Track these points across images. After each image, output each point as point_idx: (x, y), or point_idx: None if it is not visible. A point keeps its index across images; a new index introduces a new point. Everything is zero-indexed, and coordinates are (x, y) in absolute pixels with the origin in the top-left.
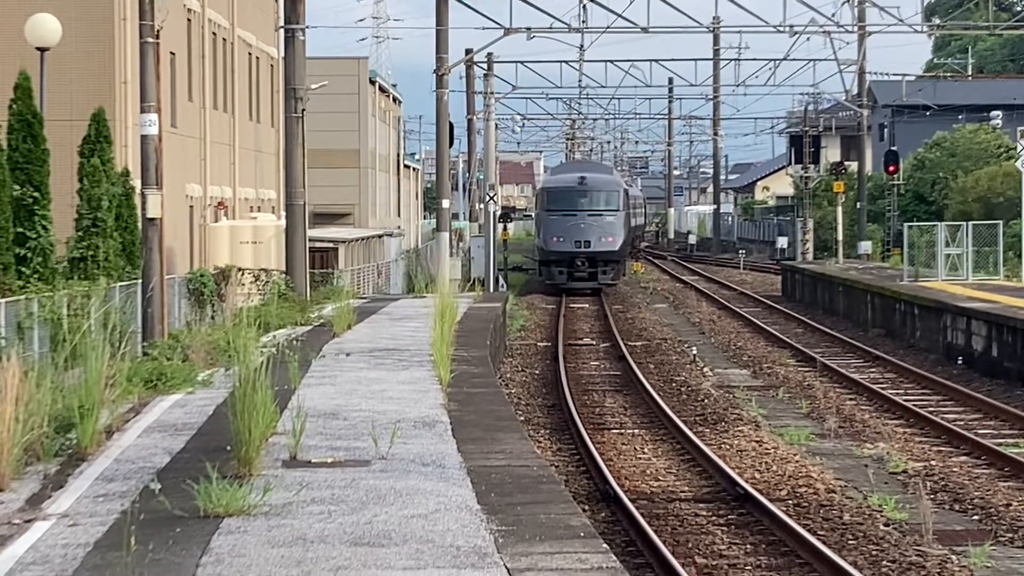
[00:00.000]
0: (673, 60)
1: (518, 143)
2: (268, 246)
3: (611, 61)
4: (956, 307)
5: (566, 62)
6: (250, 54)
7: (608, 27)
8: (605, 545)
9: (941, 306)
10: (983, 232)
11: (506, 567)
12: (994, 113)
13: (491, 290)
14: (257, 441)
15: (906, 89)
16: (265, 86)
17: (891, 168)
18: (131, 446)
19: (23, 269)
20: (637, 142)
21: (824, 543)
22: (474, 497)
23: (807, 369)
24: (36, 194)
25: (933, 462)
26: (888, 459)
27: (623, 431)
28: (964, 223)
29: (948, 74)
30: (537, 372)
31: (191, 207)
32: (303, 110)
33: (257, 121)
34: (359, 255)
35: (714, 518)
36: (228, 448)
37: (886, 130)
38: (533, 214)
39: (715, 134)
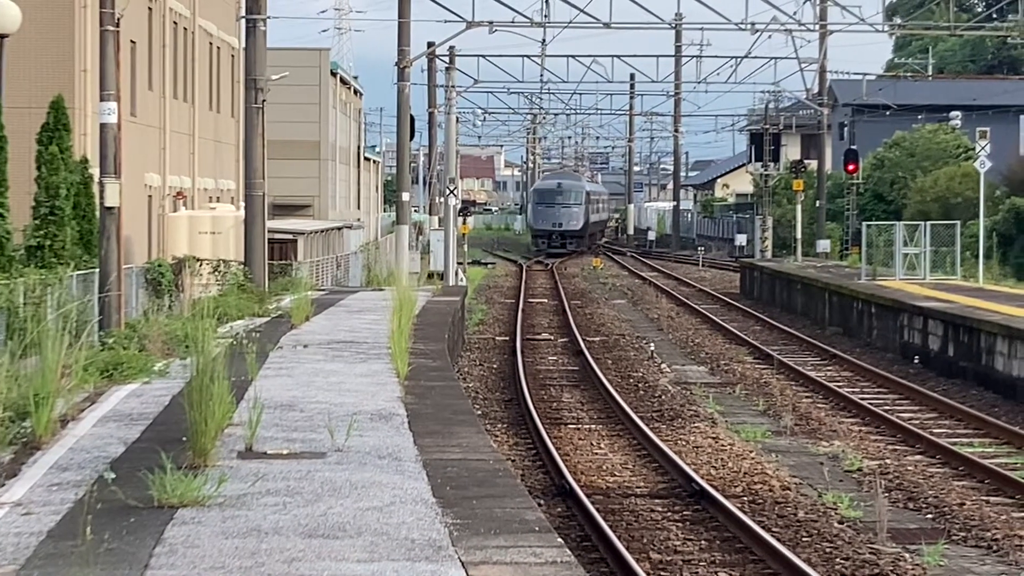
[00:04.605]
0: (635, 56)
1: (479, 137)
2: (227, 237)
3: (573, 56)
4: (913, 306)
5: (528, 57)
6: (211, 44)
7: (570, 22)
8: (560, 540)
9: (898, 305)
10: (941, 232)
11: (460, 560)
12: (953, 113)
13: (450, 284)
14: (213, 432)
15: (866, 88)
16: (226, 76)
17: (850, 167)
18: (86, 435)
19: None
20: (598, 138)
21: (778, 540)
22: (429, 490)
23: (764, 366)
24: None
25: (888, 461)
26: (843, 457)
27: (580, 426)
28: (922, 223)
29: (908, 74)
30: (495, 366)
31: (150, 197)
32: (263, 101)
33: (217, 111)
34: (318, 247)
35: (669, 514)
36: (184, 438)
37: (846, 129)
38: (527, 206)
39: (676, 131)
